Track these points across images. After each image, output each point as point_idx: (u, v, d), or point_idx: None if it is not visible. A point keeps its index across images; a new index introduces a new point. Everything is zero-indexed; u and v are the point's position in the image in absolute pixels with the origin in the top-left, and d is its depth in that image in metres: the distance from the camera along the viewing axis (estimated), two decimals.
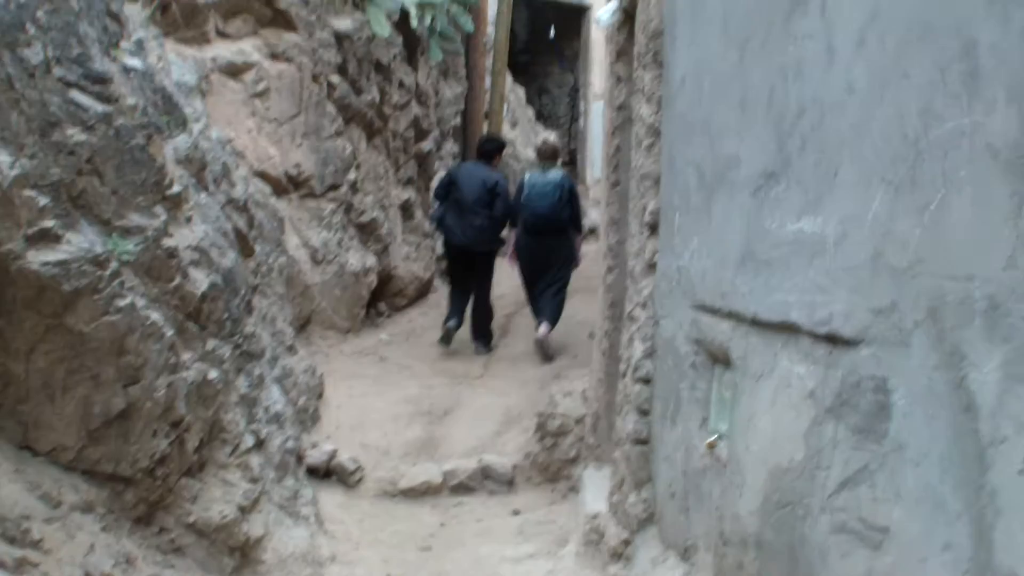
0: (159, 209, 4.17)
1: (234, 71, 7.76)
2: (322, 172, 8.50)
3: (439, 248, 11.08)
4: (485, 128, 12.56)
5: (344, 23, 8.62)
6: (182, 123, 4.96)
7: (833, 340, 2.73)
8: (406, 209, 10.15)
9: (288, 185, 8.23)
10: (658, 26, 4.53)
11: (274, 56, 8.06)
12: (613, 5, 5.70)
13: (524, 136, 14.92)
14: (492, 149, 9.72)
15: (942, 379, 2.21)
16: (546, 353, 9.14)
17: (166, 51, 6.12)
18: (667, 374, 4.32)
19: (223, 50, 7.75)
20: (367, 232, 9.21)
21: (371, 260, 9.22)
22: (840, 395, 2.66)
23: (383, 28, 8.79)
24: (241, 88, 7.81)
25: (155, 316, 4.03)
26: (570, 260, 9.46)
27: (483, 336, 9.61)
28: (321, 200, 8.55)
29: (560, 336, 9.38)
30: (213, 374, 4.49)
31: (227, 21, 7.84)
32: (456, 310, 9.43)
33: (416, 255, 10.27)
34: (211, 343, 4.51)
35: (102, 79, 3.94)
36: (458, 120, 11.97)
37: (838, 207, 2.73)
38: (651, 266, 4.58)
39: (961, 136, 2.16)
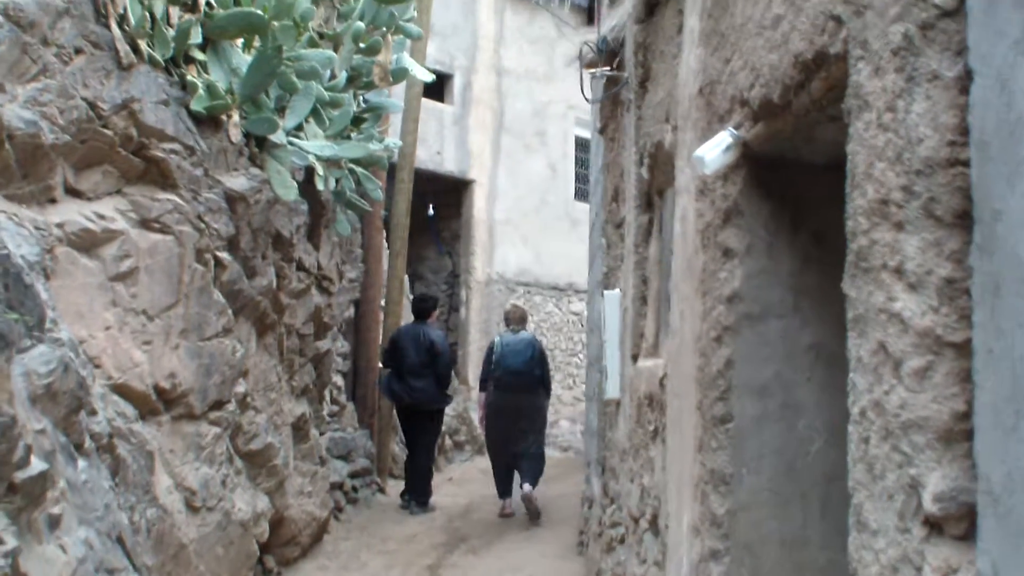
0: None
1: (89, 243, 5.41)
2: (204, 384, 6.11)
3: (334, 475, 8.81)
4: (382, 321, 10.42)
5: (238, 181, 6.39)
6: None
7: None
8: (299, 428, 7.75)
9: (158, 403, 5.81)
10: None
11: (145, 223, 5.75)
12: (724, 140, 3.68)
13: None
14: (428, 307, 10.16)
15: None
16: (534, 510, 9.25)
17: None
18: None
19: (74, 213, 5.41)
20: (258, 464, 6.78)
21: (263, 502, 6.78)
22: None
23: (288, 190, 6.60)
24: (98, 267, 5.45)
25: None
26: (544, 420, 9.90)
27: (421, 494, 9.88)
28: (201, 423, 6.13)
29: None
30: None
31: (80, 173, 5.53)
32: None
33: (312, 488, 7.84)
34: None
35: None
36: (351, 311, 9.72)
37: None
38: None
39: None
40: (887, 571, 2.57)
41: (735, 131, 3.63)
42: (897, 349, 2.48)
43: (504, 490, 9.69)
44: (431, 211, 15.20)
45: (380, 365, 10.49)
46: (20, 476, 2.04)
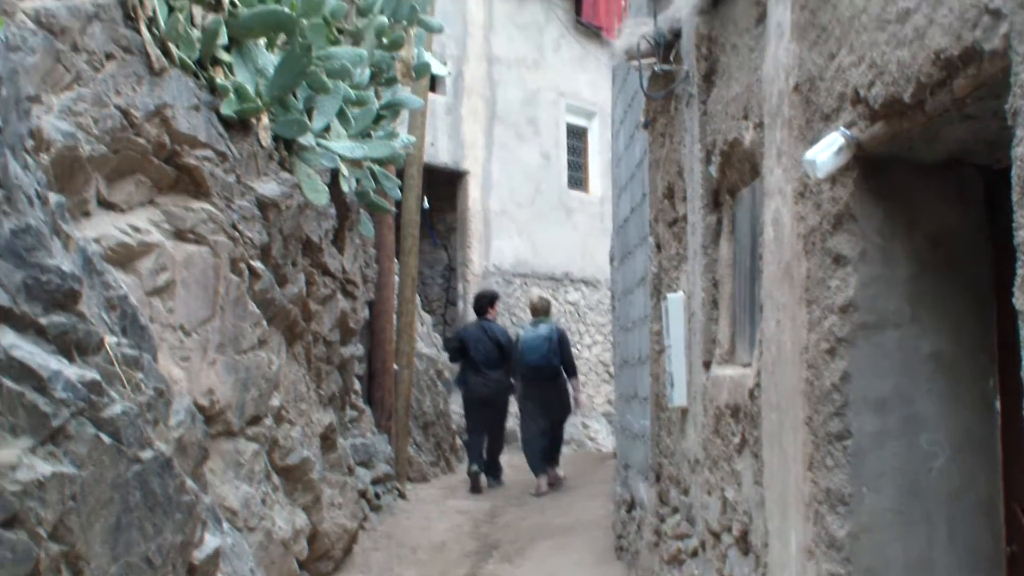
0: None
1: (125, 258, 5.16)
2: (242, 399, 5.87)
3: (360, 483, 8.58)
4: (395, 324, 10.17)
5: (269, 187, 6.14)
6: None
7: None
8: (326, 437, 7.51)
9: None
10: None
11: (180, 234, 5.50)
12: (836, 141, 3.47)
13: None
14: (485, 304, 11.28)
15: None
16: (557, 484, 10.77)
17: None
18: None
19: (109, 227, 5.15)
20: (294, 479, 6.54)
21: (301, 519, 6.54)
22: None
23: (320, 195, 6.36)
24: (135, 283, 5.20)
25: None
26: (567, 403, 10.96)
27: (495, 472, 11.16)
28: (239, 439, 5.89)
29: None
30: None
31: (113, 184, 5.27)
32: (478, 454, 10.85)
33: (342, 499, 7.61)
34: None
35: None
36: (365, 313, 9.46)
37: None
38: None
39: None
40: None
41: (847, 131, 3.42)
42: None
43: (538, 470, 10.67)
44: (426, 204, 14.94)
45: (449, 361, 12.00)
46: (198, 556, 1.81)
